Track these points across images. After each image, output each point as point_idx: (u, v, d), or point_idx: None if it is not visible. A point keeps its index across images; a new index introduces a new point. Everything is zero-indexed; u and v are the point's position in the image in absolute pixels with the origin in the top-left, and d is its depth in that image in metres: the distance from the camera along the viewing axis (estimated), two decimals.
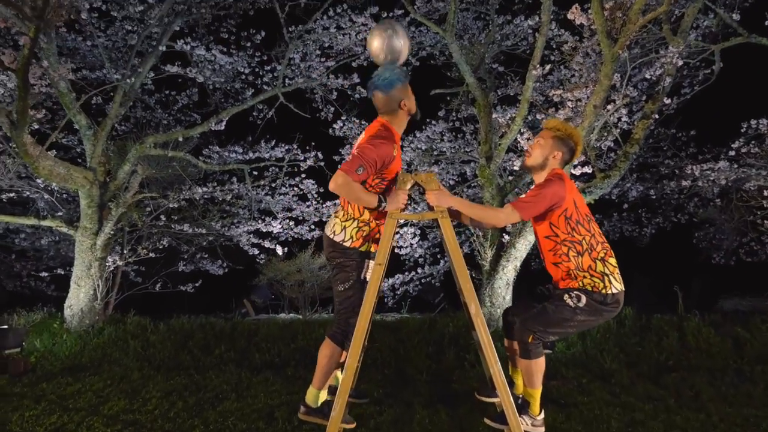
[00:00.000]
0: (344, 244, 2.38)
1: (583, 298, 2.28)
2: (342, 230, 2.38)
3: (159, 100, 8.98)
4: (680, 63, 5.45)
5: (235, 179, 8.90)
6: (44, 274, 9.30)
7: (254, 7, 8.25)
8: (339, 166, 2.37)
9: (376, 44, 2.42)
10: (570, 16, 3.63)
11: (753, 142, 7.36)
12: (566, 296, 2.31)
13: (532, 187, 2.40)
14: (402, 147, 9.20)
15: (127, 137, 8.02)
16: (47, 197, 6.97)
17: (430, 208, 2.28)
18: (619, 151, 5.94)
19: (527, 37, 7.97)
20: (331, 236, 2.42)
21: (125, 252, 6.86)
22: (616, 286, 2.32)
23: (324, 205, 9.46)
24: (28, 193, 7.21)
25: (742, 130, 7.27)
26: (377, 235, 2.42)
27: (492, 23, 7.51)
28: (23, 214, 7.29)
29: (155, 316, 7.60)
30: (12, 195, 7.22)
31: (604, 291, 2.28)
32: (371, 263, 2.34)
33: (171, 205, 7.32)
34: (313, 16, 7.19)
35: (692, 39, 6.52)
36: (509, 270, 5.56)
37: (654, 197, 9.09)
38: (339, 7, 7.18)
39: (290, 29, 7.44)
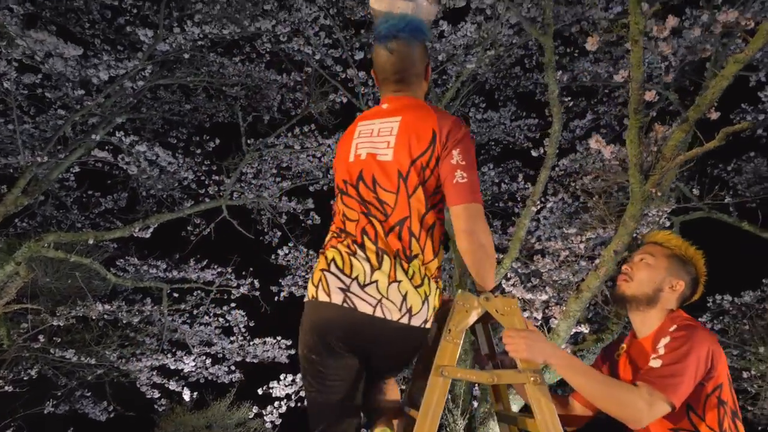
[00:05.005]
0: (427, 326, 1.37)
1: None
2: (423, 302, 1.34)
3: (78, 199, 7.75)
4: (668, 224, 5.18)
5: (149, 300, 7.45)
6: None
7: (211, 120, 7.71)
8: (456, 193, 1.36)
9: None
10: (593, 144, 3.19)
11: (718, 318, 7.14)
12: None
13: (663, 346, 1.38)
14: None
15: (26, 235, 6.60)
16: None
17: (508, 359, 1.33)
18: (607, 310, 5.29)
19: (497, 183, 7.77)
20: (406, 321, 1.35)
21: None
22: None
23: (251, 343, 8.05)
24: None
25: (708, 305, 7.06)
26: None
27: None
28: None
29: None
30: None
31: None
32: None
33: (57, 323, 5.74)
34: (277, 130, 6.64)
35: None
36: None
37: None
38: (307, 126, 6.72)
39: (248, 141, 6.80)
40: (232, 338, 7.95)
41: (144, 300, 7.37)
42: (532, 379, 1.22)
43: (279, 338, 8.04)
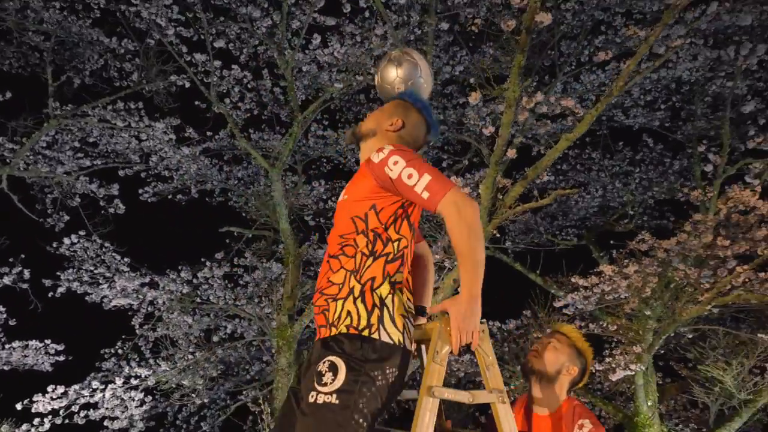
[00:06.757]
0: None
1: None
2: None
3: None
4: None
5: None
6: None
7: None
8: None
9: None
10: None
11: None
12: None
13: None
14: (146, 285, 7.44)
15: None
16: None
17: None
18: None
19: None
20: None
21: None
22: None
23: (7, 347, 6.55)
24: None
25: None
26: None
27: None
28: None
29: None
30: None
31: None
32: None
33: None
34: (98, 100, 5.68)
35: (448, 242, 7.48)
36: None
37: None
38: (134, 102, 5.90)
39: (55, 105, 5.64)
40: None
41: None
42: (499, 398, 1.38)
43: (48, 342, 6.73)
